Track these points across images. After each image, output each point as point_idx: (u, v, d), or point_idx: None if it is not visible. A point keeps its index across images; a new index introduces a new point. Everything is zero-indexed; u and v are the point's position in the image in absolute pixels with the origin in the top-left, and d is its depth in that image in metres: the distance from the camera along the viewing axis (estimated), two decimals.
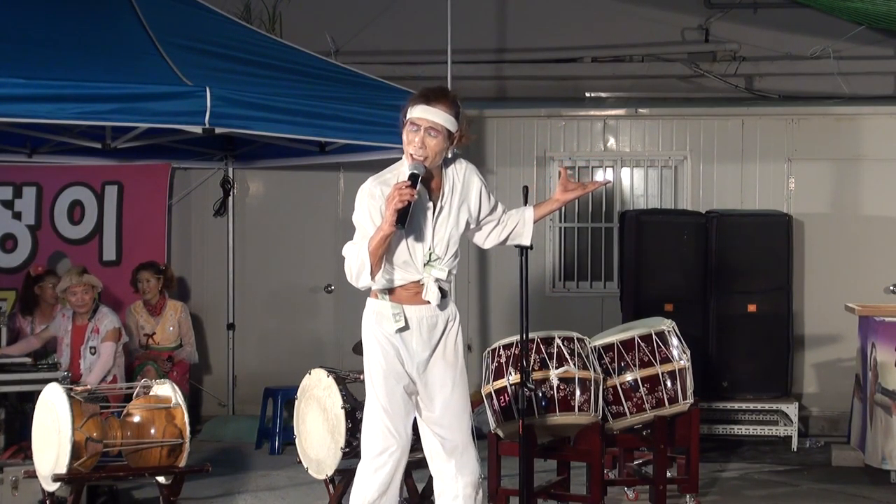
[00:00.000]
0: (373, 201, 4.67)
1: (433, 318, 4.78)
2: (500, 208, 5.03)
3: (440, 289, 4.75)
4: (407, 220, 4.54)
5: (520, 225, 5.05)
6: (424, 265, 4.73)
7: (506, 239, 5.08)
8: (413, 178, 4.58)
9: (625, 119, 9.70)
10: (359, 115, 7.30)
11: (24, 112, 6.33)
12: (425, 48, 9.57)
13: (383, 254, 4.63)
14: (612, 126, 9.71)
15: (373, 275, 4.64)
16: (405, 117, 4.71)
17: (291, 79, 7.46)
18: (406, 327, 4.74)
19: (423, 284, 4.73)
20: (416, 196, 4.55)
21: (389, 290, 4.75)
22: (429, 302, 4.74)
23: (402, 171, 4.74)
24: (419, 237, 4.72)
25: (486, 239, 5.08)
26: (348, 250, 4.74)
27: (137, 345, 8.68)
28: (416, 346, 4.77)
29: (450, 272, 4.82)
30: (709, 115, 9.58)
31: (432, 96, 4.69)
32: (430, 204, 4.76)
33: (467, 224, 4.89)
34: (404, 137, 4.72)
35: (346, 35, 10.08)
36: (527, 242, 5.09)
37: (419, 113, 4.67)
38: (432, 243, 4.75)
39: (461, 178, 4.85)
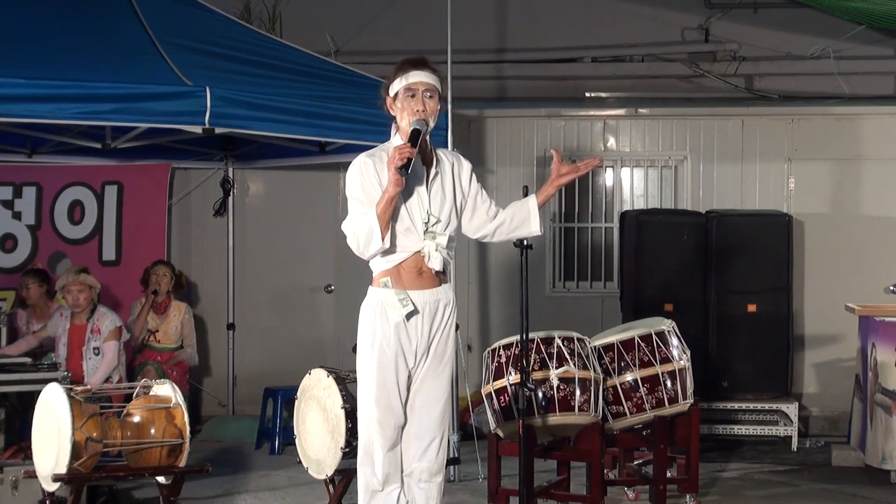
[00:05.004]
0: (366, 170, 4.69)
1: (436, 304, 4.74)
2: (487, 196, 4.97)
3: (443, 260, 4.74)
4: (409, 170, 4.51)
5: (522, 212, 4.95)
6: (425, 232, 4.71)
7: (514, 228, 4.97)
8: (415, 133, 4.60)
9: (625, 119, 9.70)
10: (359, 115, 7.29)
11: (24, 112, 6.34)
12: (425, 48, 9.40)
13: (389, 218, 4.61)
14: (612, 126, 9.70)
15: (382, 236, 4.58)
16: (391, 90, 4.75)
17: (291, 79, 7.46)
18: (415, 311, 4.68)
19: (424, 255, 4.70)
20: (415, 153, 4.54)
21: (393, 275, 4.70)
22: (435, 284, 4.72)
23: (392, 146, 4.73)
24: (417, 201, 4.72)
25: (493, 230, 4.97)
26: (349, 223, 4.69)
27: (139, 340, 8.68)
28: (419, 332, 4.72)
29: (451, 240, 4.79)
30: (709, 115, 9.58)
31: (419, 62, 4.75)
32: (425, 169, 4.76)
33: (462, 205, 4.87)
34: (397, 107, 4.76)
35: (346, 35, 10.08)
36: (537, 229, 4.97)
37: (417, 77, 4.72)
38: (430, 207, 4.73)
39: (451, 159, 4.89)
